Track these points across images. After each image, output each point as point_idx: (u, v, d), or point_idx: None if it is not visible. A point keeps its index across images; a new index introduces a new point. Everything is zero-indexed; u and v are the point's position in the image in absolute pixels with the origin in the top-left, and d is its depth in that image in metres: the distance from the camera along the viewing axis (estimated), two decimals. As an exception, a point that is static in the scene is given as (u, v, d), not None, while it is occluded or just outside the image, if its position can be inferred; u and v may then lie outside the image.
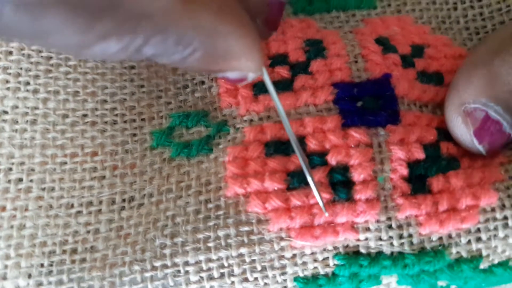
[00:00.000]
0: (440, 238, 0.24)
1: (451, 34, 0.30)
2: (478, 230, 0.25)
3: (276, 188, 0.24)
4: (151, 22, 0.17)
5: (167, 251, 0.24)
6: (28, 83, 0.27)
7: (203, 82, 0.28)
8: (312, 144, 0.25)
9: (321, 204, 0.24)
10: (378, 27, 0.29)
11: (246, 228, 0.24)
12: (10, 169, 0.25)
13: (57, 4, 0.16)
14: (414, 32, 0.29)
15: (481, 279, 0.25)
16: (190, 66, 0.20)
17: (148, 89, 0.28)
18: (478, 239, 0.25)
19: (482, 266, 0.25)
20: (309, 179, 0.24)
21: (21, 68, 0.27)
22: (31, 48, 0.27)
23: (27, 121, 0.26)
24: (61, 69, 0.27)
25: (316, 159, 0.25)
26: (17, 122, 0.26)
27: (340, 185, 0.24)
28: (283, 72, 0.27)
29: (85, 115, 0.27)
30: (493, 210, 0.25)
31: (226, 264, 0.24)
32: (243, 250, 0.24)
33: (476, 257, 0.25)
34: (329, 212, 0.24)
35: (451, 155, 0.26)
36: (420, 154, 0.25)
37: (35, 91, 0.27)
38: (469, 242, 0.25)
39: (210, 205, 0.25)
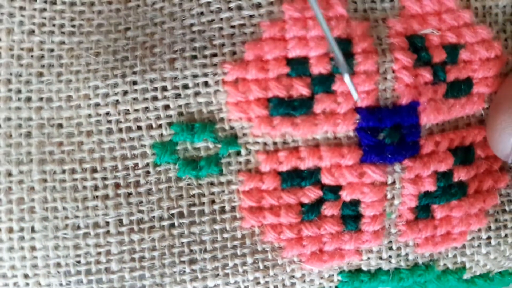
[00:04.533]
0: (431, 254, 0.26)
1: (493, 15, 0.26)
2: (464, 246, 0.26)
3: (290, 221, 0.24)
4: None
5: (186, 277, 0.25)
6: (19, 91, 0.24)
7: (206, 83, 0.24)
8: (328, 180, 0.24)
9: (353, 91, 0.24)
10: (413, 18, 0.25)
11: (262, 256, 0.25)
12: (10, 188, 0.24)
13: None
14: (451, 25, 0.26)
15: None
16: None
17: (142, 86, 0.24)
18: (463, 254, 0.27)
19: (466, 276, 0.27)
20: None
21: (10, 74, 0.24)
22: (21, 47, 0.24)
23: (21, 134, 0.24)
24: (53, 70, 0.24)
25: (330, 194, 0.25)
26: (11, 136, 0.24)
27: (350, 218, 0.25)
28: (302, 89, 0.24)
29: (79, 124, 0.24)
30: (479, 230, 0.26)
31: (242, 287, 0.25)
32: (258, 274, 0.25)
33: (460, 269, 0.27)
34: (338, 242, 0.25)
35: (462, 181, 0.26)
36: (431, 187, 0.25)
37: (28, 100, 0.24)
38: (454, 256, 0.27)
39: (226, 235, 0.25)
